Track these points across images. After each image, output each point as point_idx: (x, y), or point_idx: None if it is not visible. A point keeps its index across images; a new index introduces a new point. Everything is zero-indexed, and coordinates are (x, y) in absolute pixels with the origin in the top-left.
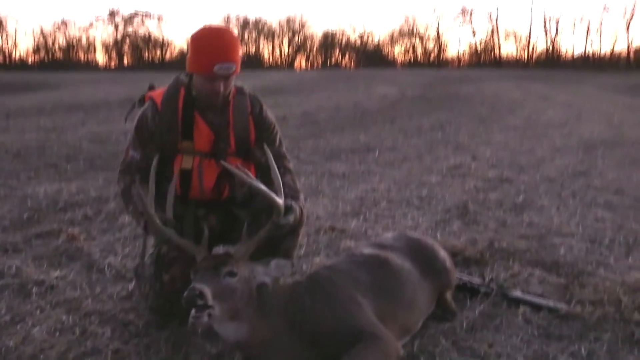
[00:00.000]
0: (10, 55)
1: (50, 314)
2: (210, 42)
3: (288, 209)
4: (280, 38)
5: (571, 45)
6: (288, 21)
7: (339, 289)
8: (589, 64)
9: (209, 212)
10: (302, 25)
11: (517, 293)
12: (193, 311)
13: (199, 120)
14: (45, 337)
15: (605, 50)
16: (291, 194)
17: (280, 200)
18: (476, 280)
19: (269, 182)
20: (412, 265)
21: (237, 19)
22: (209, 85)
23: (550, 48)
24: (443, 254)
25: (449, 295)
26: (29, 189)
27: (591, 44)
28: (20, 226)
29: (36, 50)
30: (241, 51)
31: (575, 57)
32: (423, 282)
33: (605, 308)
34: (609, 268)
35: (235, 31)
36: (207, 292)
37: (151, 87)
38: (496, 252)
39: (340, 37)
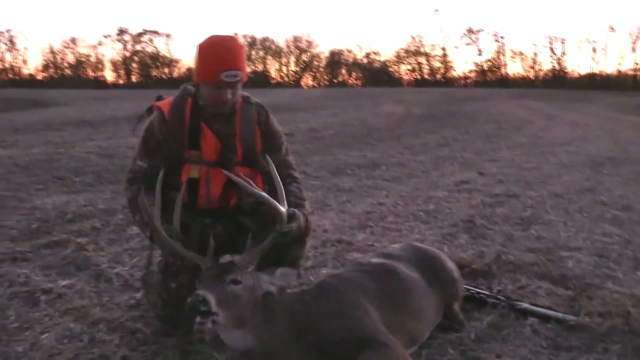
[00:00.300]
0: (19, 72)
1: (58, 322)
2: (217, 50)
3: (292, 216)
4: (287, 56)
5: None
6: (295, 40)
7: (346, 296)
8: (595, 83)
9: (216, 220)
10: (309, 44)
11: (525, 305)
12: (197, 318)
13: (206, 129)
14: (54, 343)
15: (612, 70)
16: (296, 202)
17: (283, 209)
18: (484, 291)
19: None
20: (419, 274)
21: (245, 38)
22: (217, 94)
23: (557, 67)
24: (450, 264)
25: (456, 306)
26: (38, 201)
27: (597, 64)
28: (29, 236)
29: (45, 67)
30: (246, 58)
31: (581, 76)
32: (430, 292)
33: (613, 320)
34: (617, 281)
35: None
36: (211, 298)
37: (159, 98)
38: (503, 264)
39: (347, 56)
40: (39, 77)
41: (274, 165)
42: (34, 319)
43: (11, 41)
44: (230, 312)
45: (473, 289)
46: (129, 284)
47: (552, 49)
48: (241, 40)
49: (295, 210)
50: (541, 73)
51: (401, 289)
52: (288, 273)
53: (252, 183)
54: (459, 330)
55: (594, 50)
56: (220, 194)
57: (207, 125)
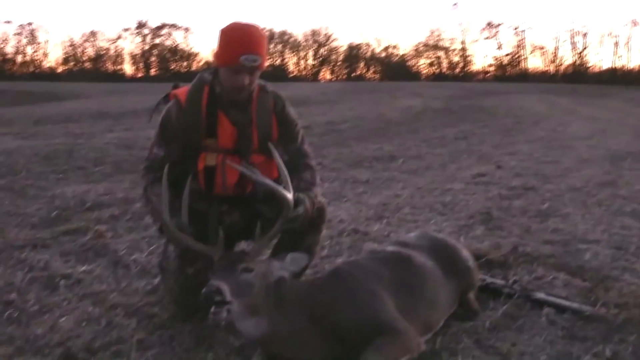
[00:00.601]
0: (40, 66)
1: (77, 306)
2: (238, 34)
3: (297, 201)
4: (306, 50)
5: (599, 60)
6: (313, 34)
7: (360, 283)
8: (616, 78)
9: (232, 207)
10: (327, 38)
11: (541, 295)
12: (212, 307)
13: (223, 117)
14: (72, 326)
15: (634, 64)
16: (305, 187)
17: (288, 195)
18: (499, 281)
19: (292, 179)
20: (434, 263)
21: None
22: (235, 78)
23: (578, 62)
24: (466, 253)
25: (472, 295)
26: (58, 190)
27: (619, 58)
28: (49, 224)
29: (65, 60)
30: (267, 48)
31: (602, 71)
32: (445, 281)
33: (630, 311)
34: (635, 273)
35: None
36: (225, 288)
37: (175, 86)
38: (520, 256)
39: (365, 50)
40: (59, 70)
41: (276, 152)
42: (53, 302)
43: (32, 34)
44: (244, 300)
45: (488, 278)
46: (146, 271)
47: (573, 43)
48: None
49: (300, 194)
50: (562, 68)
51: (416, 277)
52: (298, 258)
53: (257, 171)
54: (473, 319)
55: (616, 44)
56: (236, 182)
57: (224, 113)
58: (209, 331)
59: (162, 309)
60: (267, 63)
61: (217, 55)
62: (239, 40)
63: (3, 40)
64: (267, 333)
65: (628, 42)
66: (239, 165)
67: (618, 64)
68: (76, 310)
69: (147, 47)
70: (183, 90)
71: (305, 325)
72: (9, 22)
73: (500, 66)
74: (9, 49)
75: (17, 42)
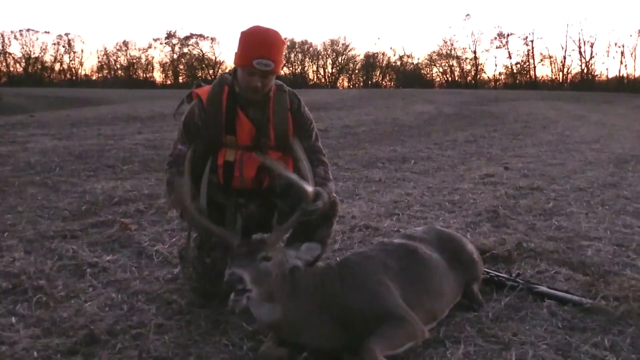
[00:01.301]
0: (76, 73)
1: (101, 292)
2: (255, 38)
3: (317, 195)
4: (325, 59)
5: (605, 68)
6: (332, 43)
7: (368, 273)
8: (623, 86)
9: (249, 200)
10: (345, 47)
11: (543, 287)
12: (232, 295)
13: (242, 115)
14: (96, 311)
15: (639, 73)
16: (321, 182)
17: (309, 188)
18: (503, 274)
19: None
20: (440, 255)
21: (285, 41)
22: (248, 79)
23: (585, 70)
24: (470, 247)
25: (475, 287)
26: (88, 186)
27: (625, 67)
28: (79, 217)
29: (100, 68)
30: (283, 53)
31: (609, 79)
32: (450, 272)
33: (629, 304)
34: (635, 269)
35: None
36: (246, 276)
37: (198, 85)
38: (524, 251)
39: (381, 59)
40: (94, 77)
41: (299, 146)
42: (79, 289)
43: (69, 44)
44: (262, 288)
45: (492, 272)
46: (167, 261)
47: (580, 53)
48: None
49: (319, 188)
50: (569, 76)
51: (422, 268)
52: (313, 247)
53: (282, 164)
54: (477, 309)
55: (622, 54)
56: (253, 176)
57: (243, 111)
58: (223, 317)
59: (180, 296)
60: (282, 68)
61: (236, 55)
62: (254, 44)
63: (42, 50)
64: (281, 319)
65: (634, 51)
66: (265, 157)
67: (624, 72)
68: (100, 296)
69: (175, 56)
70: (205, 89)
71: (316, 312)
72: (47, 32)
73: (510, 74)
74: (48, 58)
75: (56, 51)
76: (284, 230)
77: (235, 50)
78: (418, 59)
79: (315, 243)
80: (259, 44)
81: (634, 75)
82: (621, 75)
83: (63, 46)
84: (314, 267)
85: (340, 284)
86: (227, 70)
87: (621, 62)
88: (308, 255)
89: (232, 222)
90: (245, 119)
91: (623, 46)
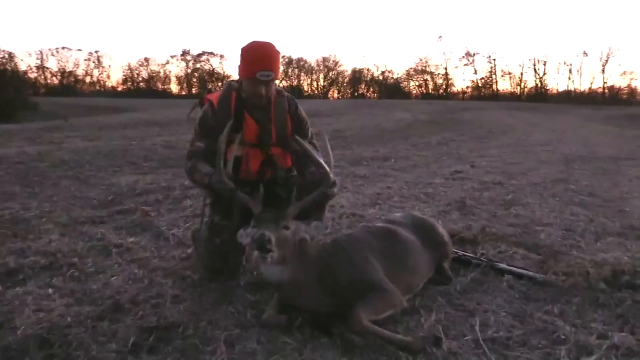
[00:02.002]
0: (104, 85)
1: (125, 268)
2: (255, 53)
3: (334, 182)
4: (317, 73)
5: (556, 83)
6: (324, 60)
7: (356, 250)
8: (570, 98)
9: (254, 190)
10: (335, 63)
11: (503, 265)
12: (257, 252)
13: (247, 117)
14: (121, 284)
15: (584, 87)
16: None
17: (331, 174)
18: (469, 254)
19: (304, 166)
20: (415, 237)
21: (283, 58)
22: (254, 89)
23: (539, 85)
24: (442, 230)
25: (446, 264)
26: (114, 179)
27: (573, 82)
28: (106, 205)
29: (124, 81)
30: (280, 62)
31: (559, 93)
32: (424, 251)
33: (575, 278)
34: (581, 250)
35: (281, 68)
36: (273, 239)
37: (208, 91)
38: (487, 235)
39: (366, 74)
40: (119, 88)
41: (306, 143)
42: (106, 265)
43: (98, 60)
44: (281, 252)
45: (460, 252)
46: (182, 242)
47: (535, 70)
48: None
49: (335, 178)
50: (526, 90)
51: (400, 248)
52: (320, 226)
53: (314, 150)
54: (447, 283)
55: (570, 71)
56: (257, 169)
57: (248, 113)
58: (230, 289)
59: (193, 272)
60: (280, 75)
61: (239, 69)
62: (256, 58)
63: (75, 65)
64: (285, 280)
65: (579, 69)
66: (303, 142)
67: (571, 87)
68: (125, 271)
69: (189, 70)
70: (215, 95)
71: (314, 278)
72: (80, 50)
73: (476, 88)
74: (80, 72)
75: (86, 66)
76: (300, 206)
77: (239, 64)
78: (398, 74)
79: (323, 223)
80: (259, 57)
81: (580, 90)
82: (569, 89)
83: (93, 62)
84: (313, 242)
85: (332, 259)
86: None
87: (569, 78)
88: (316, 231)
89: (236, 215)
90: (251, 120)
91: (571, 65)
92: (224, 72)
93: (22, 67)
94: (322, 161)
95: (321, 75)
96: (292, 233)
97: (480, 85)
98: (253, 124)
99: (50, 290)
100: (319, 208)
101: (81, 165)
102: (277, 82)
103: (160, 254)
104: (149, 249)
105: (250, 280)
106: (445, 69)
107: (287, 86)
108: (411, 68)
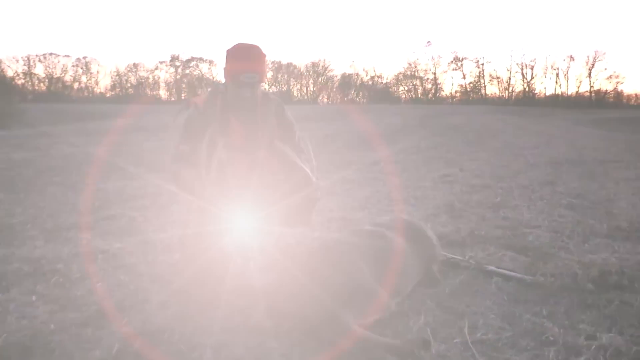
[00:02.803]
0: (92, 91)
1: (111, 274)
2: (240, 54)
3: (316, 185)
4: (307, 79)
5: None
6: (313, 65)
7: (344, 253)
8: (558, 102)
9: (239, 194)
10: (325, 69)
11: (491, 267)
12: (242, 258)
13: (233, 119)
14: (107, 290)
15: (571, 91)
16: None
17: (314, 178)
18: (458, 257)
19: (288, 170)
20: (404, 240)
21: (273, 63)
22: (239, 91)
23: (527, 89)
24: (431, 233)
25: (435, 267)
26: (101, 185)
27: (560, 87)
28: (92, 211)
29: (113, 87)
30: (266, 64)
31: (546, 96)
32: (413, 254)
33: (563, 279)
34: (569, 251)
35: (270, 74)
36: (258, 245)
37: (195, 94)
38: (476, 238)
39: (356, 79)
40: (108, 95)
41: (289, 149)
42: (92, 271)
43: (86, 66)
44: (266, 257)
45: (449, 254)
46: (169, 247)
47: (523, 74)
48: (269, 65)
49: (318, 182)
50: (514, 94)
51: (388, 250)
52: (306, 230)
53: (295, 156)
54: (436, 286)
55: (557, 75)
56: (243, 173)
57: (235, 116)
58: (217, 295)
59: (179, 277)
60: (269, 80)
61: (225, 71)
62: (240, 60)
63: (63, 71)
64: (273, 285)
65: (567, 73)
66: (284, 146)
67: (559, 91)
68: (110, 277)
69: (178, 76)
70: (201, 97)
71: (302, 284)
72: (68, 56)
73: (465, 92)
74: (68, 78)
75: (75, 72)
76: (284, 210)
77: (224, 65)
78: (387, 78)
79: (309, 227)
80: (244, 59)
81: (567, 93)
82: (556, 93)
83: (81, 68)
84: (301, 245)
85: (320, 261)
86: None
87: (556, 82)
88: (301, 236)
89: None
90: (237, 122)
91: (558, 69)
92: (213, 78)
93: (9, 73)
94: (303, 165)
95: (311, 81)
96: (276, 238)
97: (468, 89)
98: (239, 127)
99: (33, 297)
100: (304, 212)
101: (68, 171)
102: (266, 87)
103: (147, 260)
104: (136, 254)
105: (237, 285)
106: (434, 73)
107: (276, 91)
108: (400, 73)
